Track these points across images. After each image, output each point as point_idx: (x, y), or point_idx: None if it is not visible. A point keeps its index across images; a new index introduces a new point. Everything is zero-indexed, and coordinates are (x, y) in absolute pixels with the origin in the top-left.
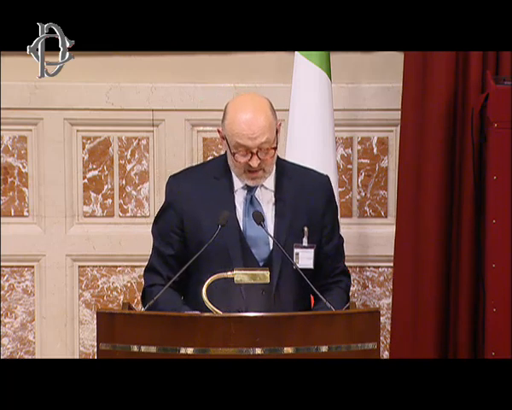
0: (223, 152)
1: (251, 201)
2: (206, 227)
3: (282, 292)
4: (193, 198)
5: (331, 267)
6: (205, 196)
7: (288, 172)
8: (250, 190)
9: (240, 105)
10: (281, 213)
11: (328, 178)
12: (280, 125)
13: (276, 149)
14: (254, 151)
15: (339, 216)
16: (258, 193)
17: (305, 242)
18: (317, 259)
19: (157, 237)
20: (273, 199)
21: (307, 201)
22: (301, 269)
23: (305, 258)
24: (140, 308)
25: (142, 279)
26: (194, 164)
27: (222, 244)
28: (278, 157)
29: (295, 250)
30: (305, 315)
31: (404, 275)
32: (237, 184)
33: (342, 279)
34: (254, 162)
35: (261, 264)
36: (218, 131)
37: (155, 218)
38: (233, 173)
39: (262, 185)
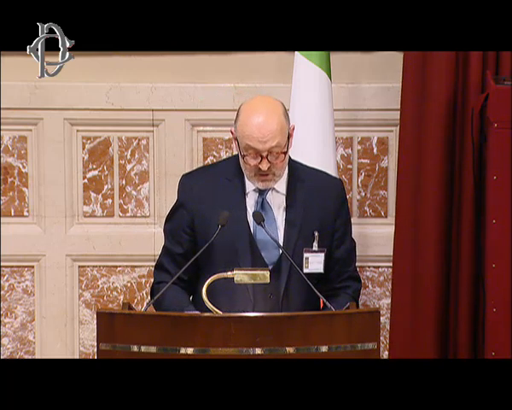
0: (223, 152)
1: (262, 204)
2: (216, 228)
3: (291, 296)
4: (205, 199)
5: (339, 272)
6: (217, 197)
7: (300, 176)
8: (261, 192)
9: (253, 107)
10: (291, 217)
11: (341, 182)
12: (293, 129)
13: (286, 153)
14: (264, 155)
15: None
16: (269, 196)
17: (315, 246)
18: (327, 263)
19: (168, 235)
20: (284, 203)
21: (319, 205)
22: (311, 273)
23: (315, 262)
24: (140, 308)
25: (143, 279)
26: (194, 164)
27: (232, 246)
28: (291, 159)
29: (305, 255)
30: (305, 315)
31: (403, 275)
32: (249, 186)
33: (350, 285)
34: (264, 166)
35: (270, 267)
36: (231, 132)
37: (167, 216)
38: (245, 176)
39: (274, 189)
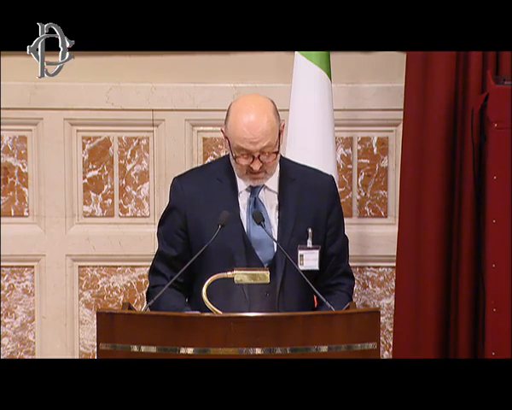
0: (223, 152)
1: (254, 203)
2: (209, 230)
3: (287, 293)
4: (197, 200)
5: (333, 268)
6: (209, 198)
7: (291, 173)
8: (253, 191)
9: (242, 107)
10: (284, 215)
11: (333, 178)
12: (283, 126)
13: (278, 152)
14: (256, 155)
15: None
16: (261, 195)
17: (309, 243)
18: (321, 260)
19: (161, 238)
20: (277, 201)
21: (311, 201)
22: (306, 270)
23: (309, 259)
24: (140, 308)
25: (142, 279)
26: (194, 164)
27: (226, 246)
28: (282, 157)
29: (299, 252)
30: (304, 315)
31: (406, 275)
32: (241, 185)
33: (344, 282)
34: (256, 166)
35: (265, 266)
36: (222, 131)
37: (160, 219)
38: (236, 175)
39: (266, 187)
